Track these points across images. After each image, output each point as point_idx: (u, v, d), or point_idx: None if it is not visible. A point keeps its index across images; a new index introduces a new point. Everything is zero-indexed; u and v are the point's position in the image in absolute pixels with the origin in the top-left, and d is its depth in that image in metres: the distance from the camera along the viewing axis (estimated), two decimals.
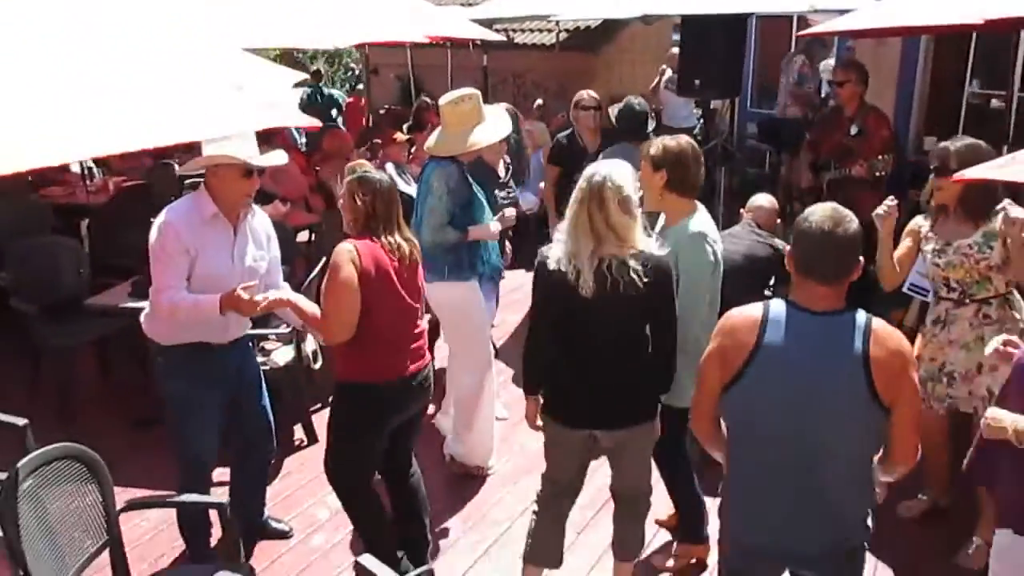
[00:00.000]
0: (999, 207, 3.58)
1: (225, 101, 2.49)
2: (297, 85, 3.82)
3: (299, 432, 5.02)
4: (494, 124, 4.44)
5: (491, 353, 4.66)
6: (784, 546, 2.52)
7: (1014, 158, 1.91)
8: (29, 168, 1.98)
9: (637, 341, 3.14)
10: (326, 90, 13.86)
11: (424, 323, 3.65)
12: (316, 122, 3.62)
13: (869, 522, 2.54)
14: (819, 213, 2.38)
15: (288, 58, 13.25)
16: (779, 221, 4.80)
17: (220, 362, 3.64)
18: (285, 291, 3.63)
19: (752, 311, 2.45)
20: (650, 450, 3.40)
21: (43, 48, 2.38)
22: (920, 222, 3.92)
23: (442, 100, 4.44)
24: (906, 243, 3.94)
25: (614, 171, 3.05)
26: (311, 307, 3.51)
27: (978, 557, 3.65)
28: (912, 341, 4.42)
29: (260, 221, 3.75)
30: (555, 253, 3.06)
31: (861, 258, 2.39)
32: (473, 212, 4.39)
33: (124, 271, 5.41)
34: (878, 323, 2.36)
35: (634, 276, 2.94)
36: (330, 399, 5.18)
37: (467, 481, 4.61)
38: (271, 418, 3.96)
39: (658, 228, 3.56)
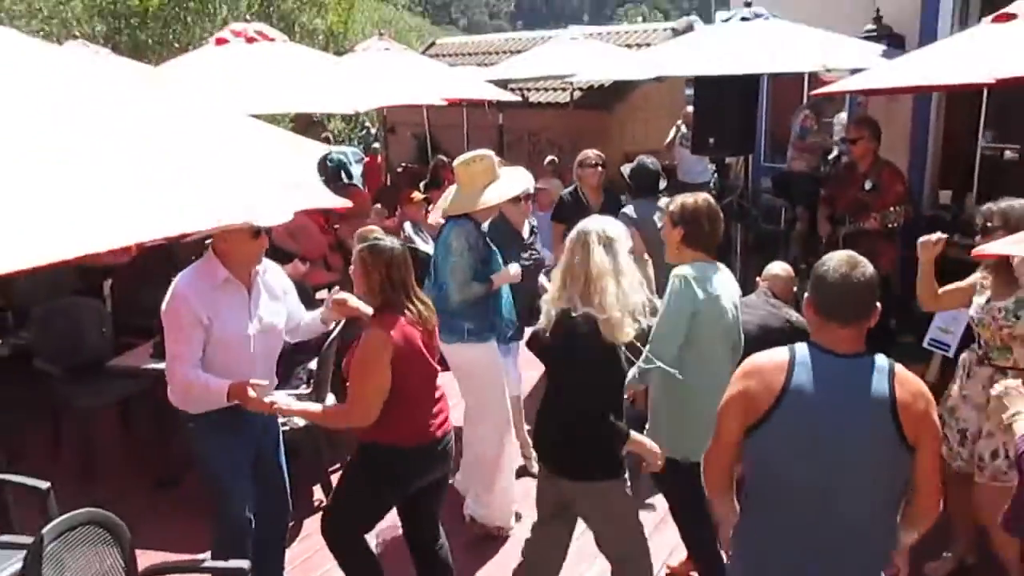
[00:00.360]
0: None
1: (253, 185, 2.53)
2: None
3: (318, 492, 5.01)
4: (508, 183, 4.52)
5: (509, 411, 4.67)
6: None
7: None
8: (83, 253, 2.01)
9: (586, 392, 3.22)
10: (334, 154, 14.11)
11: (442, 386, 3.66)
12: (347, 202, 3.65)
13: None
14: (836, 259, 2.46)
15: (305, 118, 13.47)
16: (794, 289, 4.78)
17: (249, 422, 3.65)
18: (294, 403, 3.64)
19: (779, 354, 2.48)
20: (626, 515, 3.38)
21: (61, 133, 2.41)
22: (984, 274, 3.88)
23: (456, 161, 4.55)
24: (963, 283, 3.93)
25: (604, 223, 3.27)
26: (317, 408, 3.59)
27: None
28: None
29: (274, 276, 3.79)
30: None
31: (879, 304, 2.43)
32: (491, 269, 4.46)
33: (146, 331, 5.46)
34: (899, 366, 2.42)
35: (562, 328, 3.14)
36: (348, 460, 5.28)
37: (489, 542, 4.57)
38: (287, 478, 3.96)
39: None
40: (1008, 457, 3.51)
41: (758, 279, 4.68)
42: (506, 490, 4.62)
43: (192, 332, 3.39)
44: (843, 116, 8.39)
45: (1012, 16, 4.99)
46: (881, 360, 2.41)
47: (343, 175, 13.12)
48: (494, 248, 4.55)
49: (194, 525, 4.12)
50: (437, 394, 3.55)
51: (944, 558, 4.12)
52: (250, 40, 6.15)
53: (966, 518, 3.96)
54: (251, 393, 3.29)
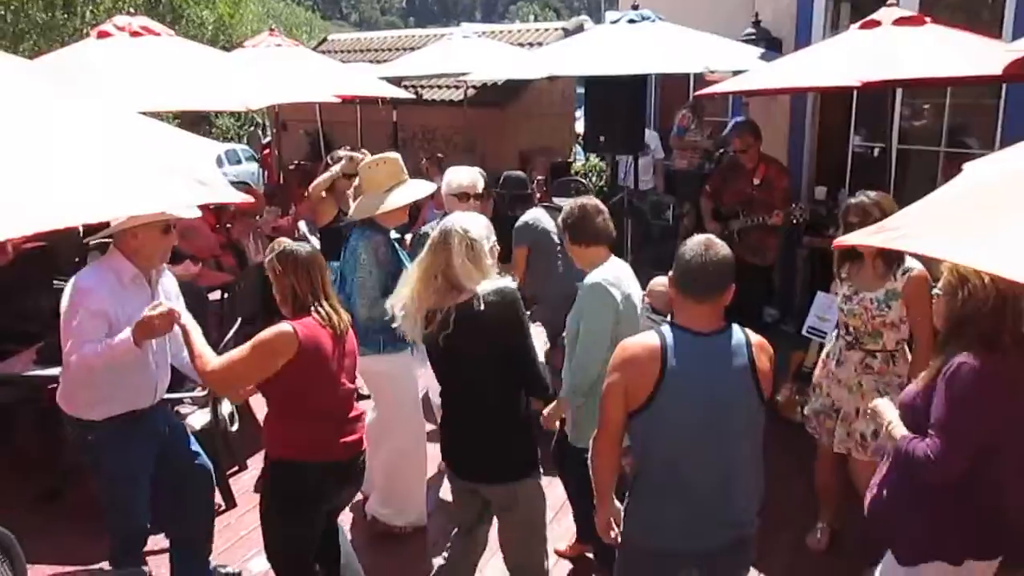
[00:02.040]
0: (904, 267, 3.82)
1: (155, 180, 2.49)
2: None
3: (216, 497, 4.91)
4: (414, 186, 4.40)
5: (421, 419, 4.61)
6: (695, 544, 2.73)
7: (882, 226, 2.10)
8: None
9: (485, 390, 3.25)
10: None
11: (360, 405, 3.57)
12: (250, 198, 3.60)
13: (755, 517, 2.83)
14: (694, 241, 2.70)
15: (191, 115, 13.11)
16: None
17: (151, 426, 3.59)
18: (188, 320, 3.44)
19: (649, 339, 2.67)
20: (536, 519, 3.45)
21: None
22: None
23: (360, 164, 4.47)
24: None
25: (466, 220, 3.29)
26: (202, 343, 3.32)
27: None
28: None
29: (167, 279, 3.74)
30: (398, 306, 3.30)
31: (733, 283, 2.68)
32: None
33: (26, 338, 5.25)
34: (755, 337, 2.71)
35: (468, 319, 3.12)
36: (247, 463, 5.20)
37: (390, 540, 4.58)
38: (210, 469, 3.88)
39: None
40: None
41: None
42: (413, 493, 4.60)
43: (93, 323, 3.30)
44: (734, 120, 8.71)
45: (877, 23, 5.32)
46: (738, 332, 2.69)
47: None
48: (403, 257, 4.39)
49: (83, 537, 3.99)
50: (352, 413, 3.44)
51: (819, 528, 4.43)
52: (134, 34, 5.93)
53: (830, 492, 4.35)
54: (154, 313, 3.23)
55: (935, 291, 2.84)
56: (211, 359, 3.21)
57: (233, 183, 10.25)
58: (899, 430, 2.81)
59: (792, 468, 4.60)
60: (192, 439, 3.89)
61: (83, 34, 6.97)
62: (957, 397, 2.62)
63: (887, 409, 2.95)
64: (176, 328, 3.39)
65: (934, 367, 2.77)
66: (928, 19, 5.33)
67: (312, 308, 3.24)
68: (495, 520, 3.55)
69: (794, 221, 6.17)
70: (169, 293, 3.68)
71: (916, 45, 4.99)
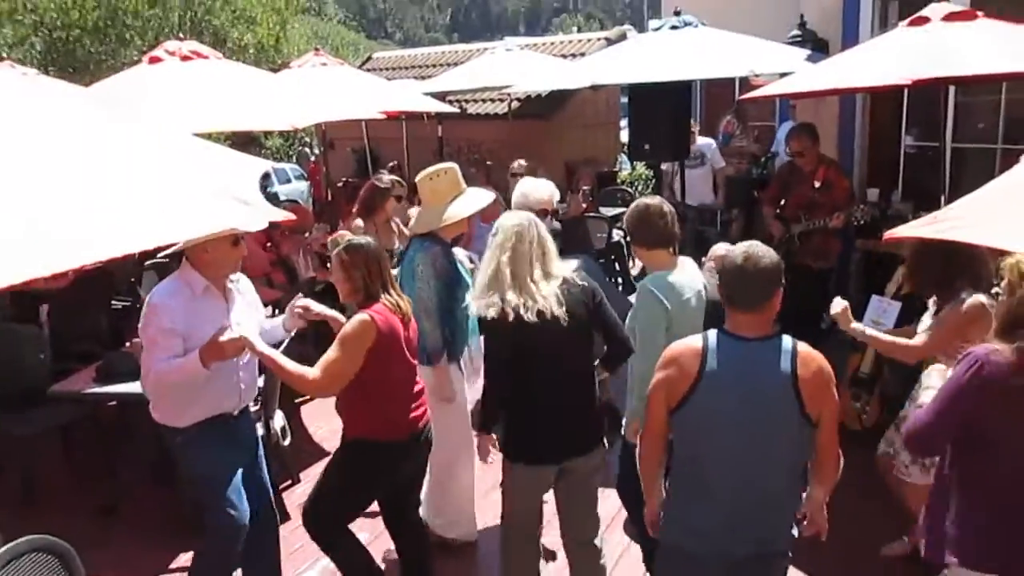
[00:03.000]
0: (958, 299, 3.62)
1: (203, 203, 2.55)
2: None
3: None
4: (474, 196, 4.37)
5: (470, 429, 4.51)
6: (720, 549, 2.70)
7: (935, 217, 2.04)
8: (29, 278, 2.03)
9: (585, 359, 3.47)
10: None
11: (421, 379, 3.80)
12: (291, 215, 3.69)
13: (794, 531, 2.78)
14: (737, 250, 2.68)
15: (243, 136, 13.35)
16: None
17: (239, 429, 3.73)
18: (265, 348, 3.50)
19: (693, 342, 2.71)
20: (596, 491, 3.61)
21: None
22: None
23: (419, 176, 4.40)
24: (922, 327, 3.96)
25: (526, 214, 3.49)
26: (289, 363, 3.42)
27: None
28: (871, 387, 4.58)
29: (245, 285, 3.82)
30: (489, 301, 3.32)
31: (780, 290, 2.65)
32: (457, 296, 4.27)
33: (87, 356, 5.38)
34: (803, 346, 2.64)
35: (572, 297, 3.33)
36: (299, 477, 5.25)
37: (443, 551, 4.57)
38: (267, 479, 3.95)
39: None
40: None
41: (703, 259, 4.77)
42: (464, 506, 4.56)
43: (166, 340, 3.40)
44: (783, 129, 8.58)
45: (926, 20, 5.22)
46: (786, 341, 2.63)
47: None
48: (463, 271, 4.36)
49: (139, 549, 4.06)
50: (416, 388, 3.67)
51: (901, 541, 4.26)
52: (185, 58, 6.09)
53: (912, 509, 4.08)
54: (223, 338, 3.31)
55: (995, 290, 2.75)
56: (307, 371, 3.36)
57: (282, 201, 10.45)
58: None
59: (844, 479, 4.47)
60: (263, 458, 3.95)
61: (135, 62, 7.14)
62: (950, 380, 2.64)
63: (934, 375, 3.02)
64: (255, 328, 3.63)
65: None
66: (980, 13, 5.21)
67: (381, 296, 3.45)
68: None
69: (855, 222, 6.05)
70: (249, 300, 3.81)
71: (968, 41, 4.88)
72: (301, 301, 3.75)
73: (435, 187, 4.28)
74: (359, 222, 5.82)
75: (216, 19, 21.22)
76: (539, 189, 4.87)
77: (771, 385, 2.59)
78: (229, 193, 2.60)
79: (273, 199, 12.87)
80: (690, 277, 3.68)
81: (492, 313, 3.27)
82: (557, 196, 4.99)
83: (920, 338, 3.80)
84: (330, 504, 3.61)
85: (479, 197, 4.39)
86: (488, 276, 3.38)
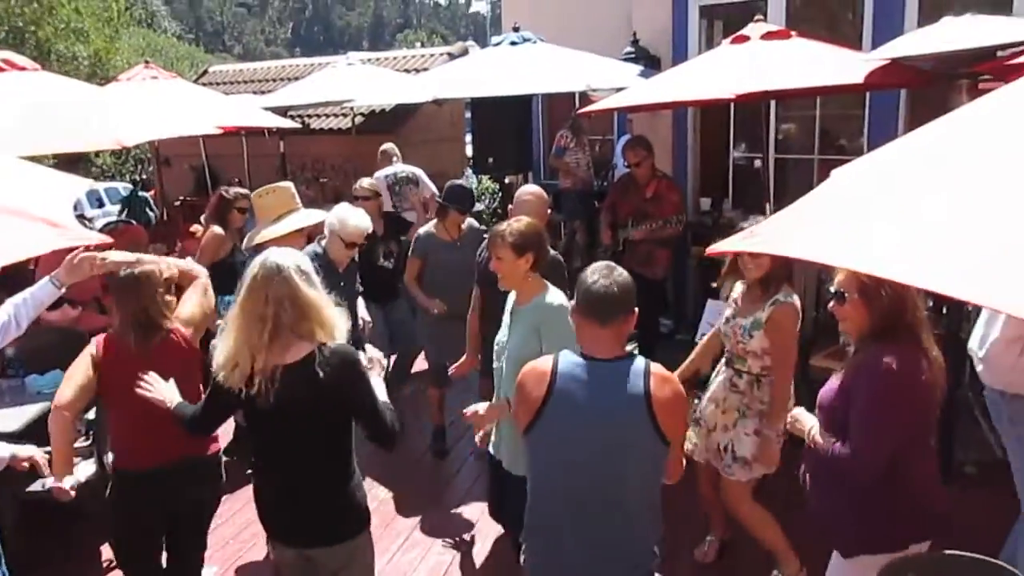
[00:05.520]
0: (775, 298, 3.79)
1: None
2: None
3: (107, 552, 4.64)
4: (303, 216, 4.38)
5: None
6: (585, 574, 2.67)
7: (752, 231, 2.16)
8: None
9: (321, 445, 2.92)
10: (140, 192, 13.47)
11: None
12: (106, 239, 3.43)
13: (656, 550, 2.74)
14: (593, 267, 2.66)
15: (69, 154, 12.58)
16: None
17: None
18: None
19: (543, 363, 2.67)
20: (369, 573, 3.14)
21: None
22: None
23: (253, 194, 4.45)
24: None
25: (290, 254, 2.90)
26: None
27: None
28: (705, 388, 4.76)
29: None
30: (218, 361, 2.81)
31: (635, 310, 2.64)
32: None
33: None
34: (656, 367, 2.62)
35: (314, 373, 2.73)
36: None
37: None
38: None
39: (509, 305, 3.70)
40: (735, 454, 3.88)
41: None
42: None
43: None
44: (620, 142, 8.85)
45: (746, 38, 5.55)
46: (639, 362, 2.60)
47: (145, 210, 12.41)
48: None
49: None
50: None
51: (707, 541, 4.43)
52: None
53: (715, 502, 4.28)
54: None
55: (841, 293, 2.84)
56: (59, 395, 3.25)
57: (113, 222, 9.90)
58: (823, 438, 2.84)
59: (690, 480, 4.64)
60: None
61: None
62: (874, 393, 2.69)
63: (806, 418, 2.98)
64: None
65: (851, 366, 2.84)
66: (794, 33, 5.59)
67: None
68: None
69: (671, 228, 6.33)
70: None
71: (784, 58, 5.23)
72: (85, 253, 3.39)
73: (264, 204, 4.30)
74: (218, 229, 5.68)
75: (41, 31, 19.97)
76: (359, 218, 4.83)
77: (622, 405, 2.54)
78: (37, 215, 2.42)
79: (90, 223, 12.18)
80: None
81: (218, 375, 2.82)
82: (370, 229, 4.97)
83: (744, 374, 3.90)
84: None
85: (305, 216, 4.36)
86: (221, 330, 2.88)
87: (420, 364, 7.28)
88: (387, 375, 6.30)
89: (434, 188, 7.77)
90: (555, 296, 3.55)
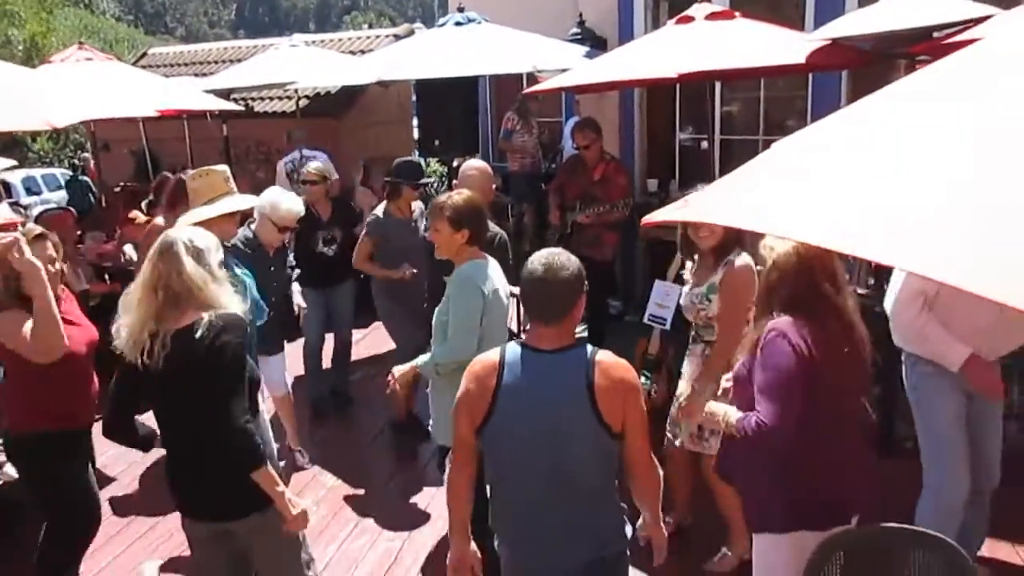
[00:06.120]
0: (727, 259, 3.81)
1: None
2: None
3: None
4: (229, 201, 4.20)
5: None
6: (553, 563, 2.65)
7: (686, 201, 2.16)
8: None
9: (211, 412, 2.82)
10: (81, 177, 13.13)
11: None
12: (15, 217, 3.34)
13: (627, 531, 2.72)
14: (536, 261, 2.57)
15: (2, 137, 12.19)
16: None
17: None
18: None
19: (491, 356, 2.62)
20: (292, 539, 3.07)
21: None
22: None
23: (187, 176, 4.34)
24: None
25: (190, 231, 3.01)
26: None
27: (723, 564, 4.05)
28: (659, 367, 4.78)
29: None
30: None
31: (583, 298, 2.58)
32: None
33: None
34: (603, 355, 2.55)
35: (193, 336, 2.75)
36: None
37: None
38: None
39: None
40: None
41: None
42: None
43: None
44: (569, 124, 8.83)
45: (691, 19, 5.56)
46: (584, 352, 2.54)
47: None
48: (237, 271, 4.11)
49: None
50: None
51: (664, 523, 4.38)
52: None
53: (683, 489, 4.28)
54: None
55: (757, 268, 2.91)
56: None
57: (51, 209, 9.63)
58: (733, 414, 2.85)
59: None
60: None
61: None
62: (771, 362, 2.71)
63: (718, 407, 2.97)
64: None
65: (753, 337, 2.85)
66: (737, 14, 5.61)
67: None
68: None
69: (618, 212, 6.32)
70: None
71: (727, 38, 5.25)
72: None
73: (194, 187, 4.17)
74: (161, 221, 5.47)
75: None
76: (291, 201, 4.91)
77: (565, 396, 2.50)
78: None
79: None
80: (499, 273, 3.71)
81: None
82: (302, 213, 5.01)
83: (713, 344, 3.87)
84: None
85: (237, 201, 4.24)
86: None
87: (369, 349, 7.25)
88: (331, 361, 6.28)
89: (336, 174, 7.94)
90: (468, 269, 3.59)
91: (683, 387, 4.06)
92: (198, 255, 2.88)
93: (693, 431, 3.99)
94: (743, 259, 3.79)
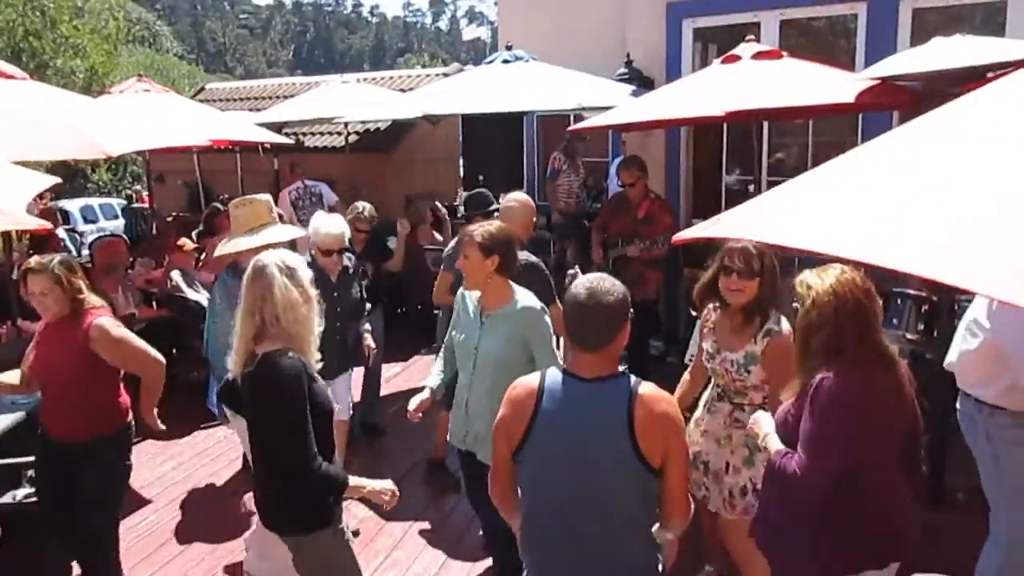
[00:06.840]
0: (767, 328, 3.50)
1: None
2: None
3: (76, 568, 4.52)
4: (273, 232, 4.27)
5: None
6: None
7: (719, 219, 2.11)
8: None
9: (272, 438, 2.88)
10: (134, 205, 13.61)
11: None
12: (44, 223, 3.55)
13: (659, 568, 2.60)
14: (580, 286, 2.51)
15: (63, 167, 12.57)
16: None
17: None
18: None
19: (531, 380, 2.57)
20: (345, 567, 3.04)
21: None
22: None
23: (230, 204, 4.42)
24: None
25: (283, 253, 3.02)
26: None
27: None
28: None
29: None
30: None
31: (627, 325, 2.50)
32: None
33: None
34: (646, 387, 2.45)
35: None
36: None
37: None
38: None
39: (471, 309, 3.69)
40: (756, 491, 3.51)
41: None
42: None
43: None
44: (614, 164, 8.80)
45: (737, 58, 5.53)
46: (626, 382, 2.45)
47: None
48: None
49: None
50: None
51: (707, 571, 4.20)
52: None
53: (714, 539, 4.02)
54: None
55: (795, 305, 2.81)
56: None
57: (104, 236, 9.85)
58: (774, 444, 2.77)
59: None
60: None
61: None
62: (819, 413, 2.61)
63: (766, 422, 2.89)
64: None
65: (799, 384, 2.76)
66: (785, 53, 5.57)
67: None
68: None
69: (655, 251, 6.27)
70: None
71: (775, 77, 5.20)
72: None
73: (237, 215, 4.26)
74: (143, 259, 5.68)
75: (37, 41, 20.06)
76: (331, 224, 4.90)
77: (603, 427, 2.41)
78: None
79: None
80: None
81: None
82: (348, 235, 5.04)
83: (743, 407, 3.63)
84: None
85: (279, 232, 4.27)
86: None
87: (408, 382, 7.23)
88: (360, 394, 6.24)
89: (335, 197, 8.85)
90: (527, 298, 3.58)
91: (703, 444, 3.74)
92: (292, 274, 2.88)
93: (724, 496, 3.71)
94: (785, 326, 3.48)
